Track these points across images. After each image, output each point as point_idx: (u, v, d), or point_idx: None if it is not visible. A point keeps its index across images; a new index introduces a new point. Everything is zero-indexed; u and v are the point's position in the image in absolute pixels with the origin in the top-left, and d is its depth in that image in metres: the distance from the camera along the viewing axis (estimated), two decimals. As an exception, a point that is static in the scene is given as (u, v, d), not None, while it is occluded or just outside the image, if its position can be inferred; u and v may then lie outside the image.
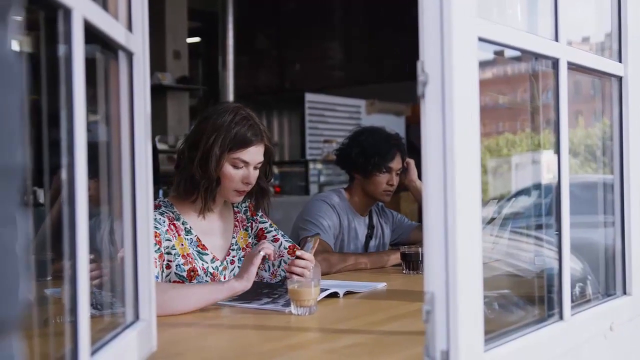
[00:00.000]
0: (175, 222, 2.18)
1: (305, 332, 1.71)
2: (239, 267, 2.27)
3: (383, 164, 2.93)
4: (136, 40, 1.33)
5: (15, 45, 0.57)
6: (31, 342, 1.03)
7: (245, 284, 1.92)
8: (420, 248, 2.63)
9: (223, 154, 2.13)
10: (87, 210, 1.00)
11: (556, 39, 1.48)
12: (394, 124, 6.87)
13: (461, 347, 1.14)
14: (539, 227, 1.88)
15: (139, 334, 1.30)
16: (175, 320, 1.81)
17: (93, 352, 1.06)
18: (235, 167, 2.16)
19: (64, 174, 0.98)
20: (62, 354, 1.02)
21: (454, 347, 1.14)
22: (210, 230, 2.26)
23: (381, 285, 2.32)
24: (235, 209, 2.37)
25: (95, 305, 1.32)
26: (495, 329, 1.32)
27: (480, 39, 1.22)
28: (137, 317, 1.34)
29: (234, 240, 2.31)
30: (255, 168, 2.19)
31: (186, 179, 2.17)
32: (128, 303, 1.33)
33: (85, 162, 1.00)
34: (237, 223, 2.34)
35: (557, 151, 1.50)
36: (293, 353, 1.51)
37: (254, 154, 2.17)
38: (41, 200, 2.38)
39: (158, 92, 7.08)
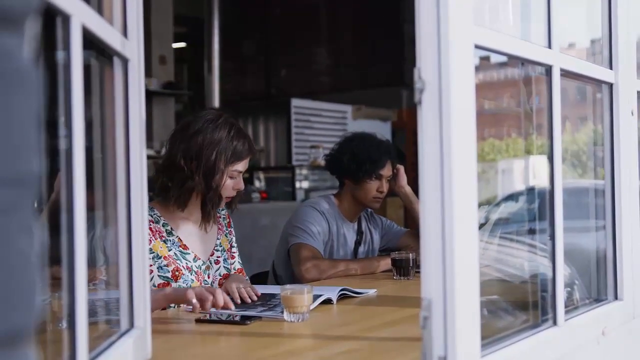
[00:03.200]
0: (154, 225, 2.22)
1: (299, 339, 1.71)
2: (224, 267, 2.37)
3: (374, 171, 2.92)
4: (131, 46, 1.33)
5: (31, 54, 0.57)
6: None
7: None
8: (410, 254, 2.63)
9: (227, 167, 2.21)
10: (85, 217, 0.99)
11: (549, 46, 1.49)
12: (380, 130, 6.87)
13: (459, 353, 1.14)
14: (528, 232, 1.89)
15: (135, 341, 1.29)
16: (169, 328, 1.80)
17: (90, 361, 1.05)
18: (232, 177, 2.25)
19: (62, 180, 0.97)
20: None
21: (452, 352, 1.14)
22: (194, 232, 2.31)
23: (372, 292, 2.32)
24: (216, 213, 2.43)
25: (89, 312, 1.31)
26: (491, 335, 1.33)
27: (477, 46, 1.23)
28: (132, 324, 1.33)
29: (218, 242, 2.38)
30: (243, 175, 2.30)
31: (186, 191, 2.21)
32: (123, 311, 1.32)
33: (83, 168, 0.99)
34: (220, 226, 2.42)
35: (550, 157, 1.50)
36: (288, 360, 1.51)
37: (247, 163, 2.29)
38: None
39: (144, 98, 7.02)
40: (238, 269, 2.44)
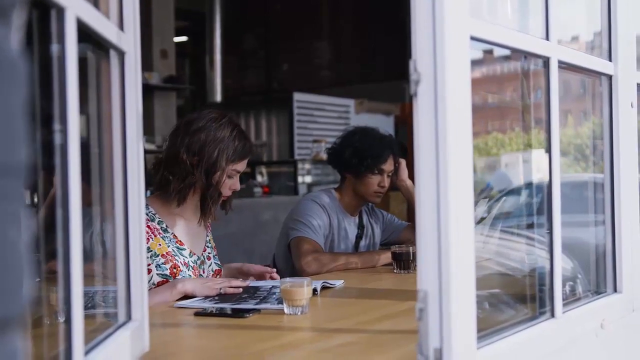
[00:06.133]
0: (150, 222, 2.22)
1: (297, 332, 1.71)
2: (215, 263, 2.40)
3: (376, 165, 2.92)
4: (128, 39, 1.32)
5: (17, 44, 0.57)
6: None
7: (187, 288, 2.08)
8: (410, 247, 2.63)
9: (227, 166, 2.23)
10: (80, 211, 1.00)
11: (547, 38, 1.49)
12: (383, 124, 6.88)
13: (454, 344, 1.14)
14: (529, 226, 1.89)
15: (132, 334, 1.29)
16: (167, 320, 1.80)
17: (86, 352, 1.06)
18: (230, 177, 2.27)
19: (57, 175, 0.97)
20: (55, 354, 1.01)
21: (447, 344, 1.14)
22: (186, 229, 2.33)
23: (340, 283, 2.34)
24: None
25: (86, 305, 1.32)
26: (488, 327, 1.33)
27: (473, 38, 1.22)
28: (129, 317, 1.33)
29: (207, 239, 2.41)
30: (240, 175, 2.32)
31: (187, 186, 2.22)
32: (120, 303, 1.32)
33: (79, 163, 0.99)
34: (209, 224, 2.45)
35: (548, 150, 1.50)
36: (286, 352, 1.51)
37: (245, 164, 2.32)
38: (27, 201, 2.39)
39: (145, 92, 6.99)
40: (216, 269, 2.43)
